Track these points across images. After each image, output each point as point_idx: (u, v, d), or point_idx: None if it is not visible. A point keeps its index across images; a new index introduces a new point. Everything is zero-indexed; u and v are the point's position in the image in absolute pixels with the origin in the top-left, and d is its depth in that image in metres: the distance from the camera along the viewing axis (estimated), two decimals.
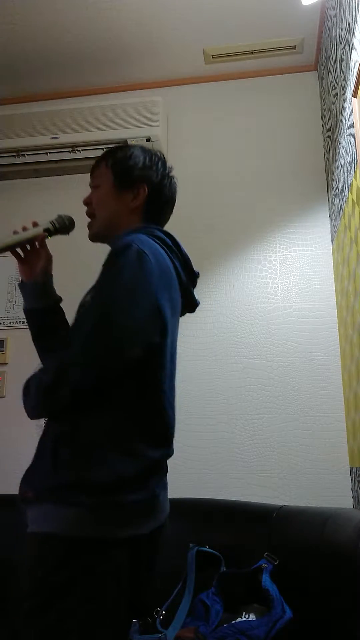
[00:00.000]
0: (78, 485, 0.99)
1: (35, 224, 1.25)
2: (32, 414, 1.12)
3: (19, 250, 1.25)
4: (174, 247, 1.23)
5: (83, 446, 1.02)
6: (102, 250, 1.18)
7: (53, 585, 0.95)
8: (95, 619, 0.96)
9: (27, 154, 2.45)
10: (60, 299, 1.30)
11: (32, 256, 1.26)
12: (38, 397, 1.06)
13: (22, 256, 1.26)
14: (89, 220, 1.29)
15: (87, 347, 1.01)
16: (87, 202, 1.29)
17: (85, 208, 1.30)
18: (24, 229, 1.24)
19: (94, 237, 1.29)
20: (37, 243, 1.25)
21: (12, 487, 2.02)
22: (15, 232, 1.23)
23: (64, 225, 1.27)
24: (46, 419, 1.18)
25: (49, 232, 1.25)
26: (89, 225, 1.28)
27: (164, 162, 1.33)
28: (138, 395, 1.07)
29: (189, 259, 1.27)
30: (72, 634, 0.94)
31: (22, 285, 1.28)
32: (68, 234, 1.29)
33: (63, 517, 0.98)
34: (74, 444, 1.03)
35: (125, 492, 1.00)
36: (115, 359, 1.02)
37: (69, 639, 0.94)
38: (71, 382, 1.01)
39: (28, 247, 1.25)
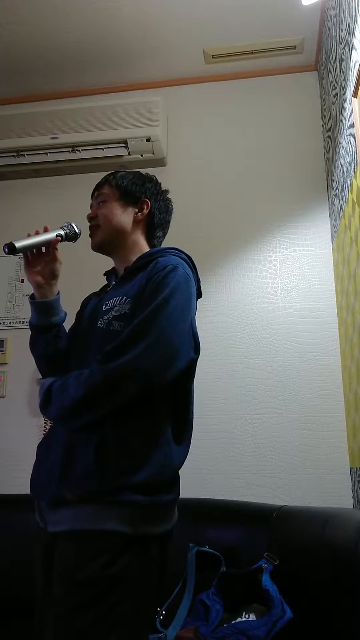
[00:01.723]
0: (129, 487, 1.07)
1: (47, 229, 1.31)
2: (64, 419, 1.16)
3: (28, 252, 1.31)
4: (194, 268, 1.32)
5: (130, 451, 1.10)
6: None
7: (104, 580, 1.03)
8: (140, 610, 1.07)
9: (27, 154, 2.45)
10: (65, 314, 1.38)
11: (41, 259, 1.32)
12: (79, 403, 1.11)
13: (30, 259, 1.31)
14: (91, 231, 1.36)
15: (143, 360, 1.09)
16: (92, 217, 1.37)
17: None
18: (37, 233, 1.29)
19: (97, 247, 1.36)
20: (51, 247, 1.31)
21: (12, 487, 2.04)
22: (29, 235, 1.28)
23: (74, 233, 1.35)
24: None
25: (61, 238, 1.32)
26: (92, 235, 1.36)
27: (160, 184, 1.45)
28: (174, 404, 1.18)
29: (200, 279, 1.35)
30: (120, 625, 1.03)
31: (36, 304, 1.34)
32: (75, 241, 1.36)
33: (116, 516, 1.06)
34: (120, 449, 1.10)
35: (163, 492, 1.12)
36: (166, 374, 1.12)
37: (117, 629, 1.02)
38: (122, 390, 1.09)
39: (43, 249, 1.31)
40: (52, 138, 2.41)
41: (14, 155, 2.46)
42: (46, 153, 2.45)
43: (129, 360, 1.08)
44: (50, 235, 1.29)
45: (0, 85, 2.62)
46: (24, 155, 2.45)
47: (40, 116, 2.46)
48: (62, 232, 1.32)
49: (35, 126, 2.44)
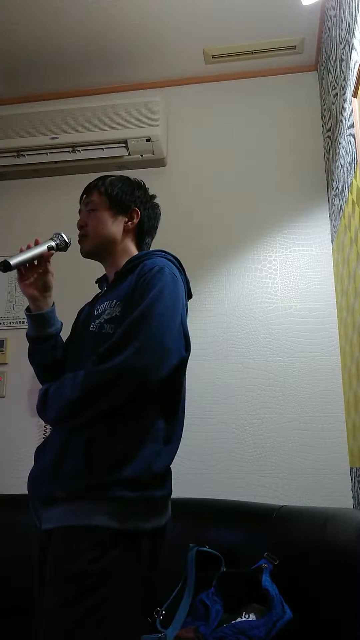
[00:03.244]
0: (118, 483, 1.09)
1: (37, 242, 1.32)
2: (61, 420, 1.18)
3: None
4: (182, 269, 1.35)
5: (118, 447, 1.12)
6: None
7: (93, 574, 1.05)
8: (129, 604, 1.09)
9: (27, 154, 2.45)
10: (61, 325, 1.42)
11: (33, 271, 1.34)
12: (75, 403, 1.13)
13: (23, 272, 1.33)
14: (81, 239, 1.38)
15: (136, 360, 1.11)
16: (81, 225, 1.38)
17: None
18: (29, 246, 1.31)
19: (88, 254, 1.39)
20: (43, 260, 1.33)
21: (12, 487, 2.04)
22: (21, 250, 1.29)
23: (64, 244, 1.37)
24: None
25: (53, 250, 1.34)
26: (81, 242, 1.38)
27: (148, 190, 1.46)
28: (166, 402, 1.21)
29: (188, 279, 1.39)
30: (109, 619, 1.04)
31: (32, 316, 1.37)
32: (65, 251, 1.38)
33: (106, 511, 1.08)
34: (110, 446, 1.12)
35: (154, 488, 1.14)
36: (160, 372, 1.14)
37: (106, 623, 1.03)
38: (119, 389, 1.11)
39: (35, 262, 1.33)
40: (52, 138, 2.41)
41: (14, 155, 2.46)
42: (46, 153, 2.45)
43: (123, 360, 1.10)
44: (43, 248, 1.31)
45: (0, 85, 2.62)
46: (24, 155, 2.45)
47: (40, 116, 2.46)
48: (52, 244, 1.33)
49: (35, 126, 2.44)
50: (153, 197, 1.46)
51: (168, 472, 1.20)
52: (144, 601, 1.15)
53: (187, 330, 1.26)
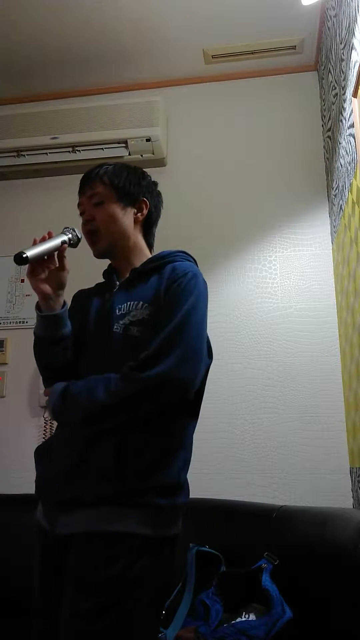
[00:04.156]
0: (149, 490, 1.08)
1: (51, 235, 1.22)
2: (87, 422, 1.13)
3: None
4: None
5: (150, 453, 1.10)
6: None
7: (127, 580, 1.03)
8: (155, 608, 1.11)
9: (27, 154, 2.45)
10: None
11: (45, 266, 1.22)
12: (110, 409, 1.10)
13: (35, 265, 1.22)
14: (91, 236, 1.29)
15: (178, 370, 1.09)
16: (88, 220, 1.28)
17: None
18: (43, 238, 1.20)
19: (102, 254, 1.31)
20: (59, 254, 1.23)
21: (12, 487, 2.04)
22: (34, 242, 1.19)
23: (77, 239, 1.26)
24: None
25: (67, 244, 1.24)
26: (94, 242, 1.29)
27: (150, 177, 1.39)
28: (192, 410, 1.21)
29: None
30: (140, 623, 1.04)
31: (45, 317, 1.25)
32: (76, 247, 1.27)
33: (138, 518, 1.07)
34: (142, 453, 1.10)
35: (179, 494, 1.14)
36: (197, 381, 1.13)
37: (136, 628, 1.04)
38: (159, 399, 1.09)
39: (45, 257, 1.21)
40: (52, 138, 2.41)
41: (14, 155, 2.46)
42: (46, 153, 2.45)
43: (165, 371, 1.07)
44: (57, 242, 1.20)
45: (0, 85, 2.62)
46: (24, 155, 2.45)
47: (40, 116, 2.46)
48: (66, 238, 1.22)
49: (35, 126, 2.44)
50: (156, 184, 1.40)
51: (186, 478, 1.20)
52: (164, 607, 1.19)
53: (208, 336, 1.25)
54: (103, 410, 1.09)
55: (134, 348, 1.13)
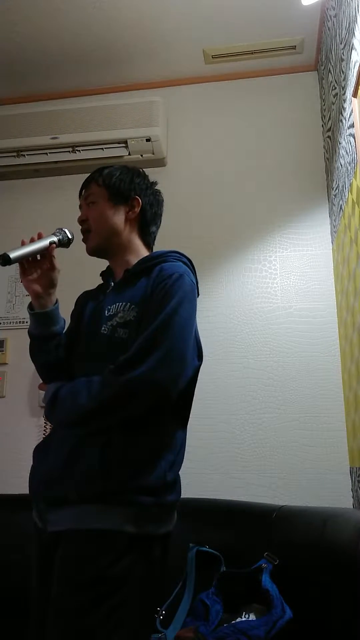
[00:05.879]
0: (134, 489, 1.09)
1: (40, 236, 1.28)
2: (70, 425, 1.16)
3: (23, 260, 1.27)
4: (194, 271, 1.32)
5: (137, 454, 1.11)
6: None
7: (111, 577, 1.04)
8: (144, 606, 1.10)
9: (27, 154, 2.45)
10: (64, 322, 1.36)
11: (37, 267, 1.28)
12: (91, 413, 1.11)
13: (25, 267, 1.28)
14: (84, 235, 1.33)
15: (156, 373, 1.08)
16: (83, 220, 1.33)
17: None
18: (32, 240, 1.26)
19: (94, 251, 1.34)
20: (48, 254, 1.28)
21: (12, 487, 2.03)
22: (22, 243, 1.24)
23: (67, 239, 1.32)
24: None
25: (55, 244, 1.29)
26: (86, 240, 1.33)
27: (148, 177, 1.41)
28: (180, 411, 1.21)
29: (197, 279, 1.35)
30: (127, 621, 1.04)
31: (36, 314, 1.31)
32: (68, 247, 1.33)
33: (121, 515, 1.07)
34: (128, 454, 1.11)
35: (166, 493, 1.14)
36: (179, 384, 1.13)
37: (124, 625, 1.04)
38: (138, 402, 1.10)
39: (38, 257, 1.28)
40: (52, 138, 2.41)
41: (14, 155, 2.46)
42: (46, 153, 2.45)
43: (144, 372, 1.07)
44: (45, 243, 1.25)
45: (0, 85, 2.62)
46: (24, 155, 2.45)
47: (40, 116, 2.46)
48: (55, 239, 1.28)
49: (35, 126, 2.44)
50: (154, 183, 1.40)
51: (178, 477, 1.20)
52: (156, 606, 1.17)
53: (199, 336, 1.25)
54: (85, 415, 1.11)
55: (121, 349, 1.14)
